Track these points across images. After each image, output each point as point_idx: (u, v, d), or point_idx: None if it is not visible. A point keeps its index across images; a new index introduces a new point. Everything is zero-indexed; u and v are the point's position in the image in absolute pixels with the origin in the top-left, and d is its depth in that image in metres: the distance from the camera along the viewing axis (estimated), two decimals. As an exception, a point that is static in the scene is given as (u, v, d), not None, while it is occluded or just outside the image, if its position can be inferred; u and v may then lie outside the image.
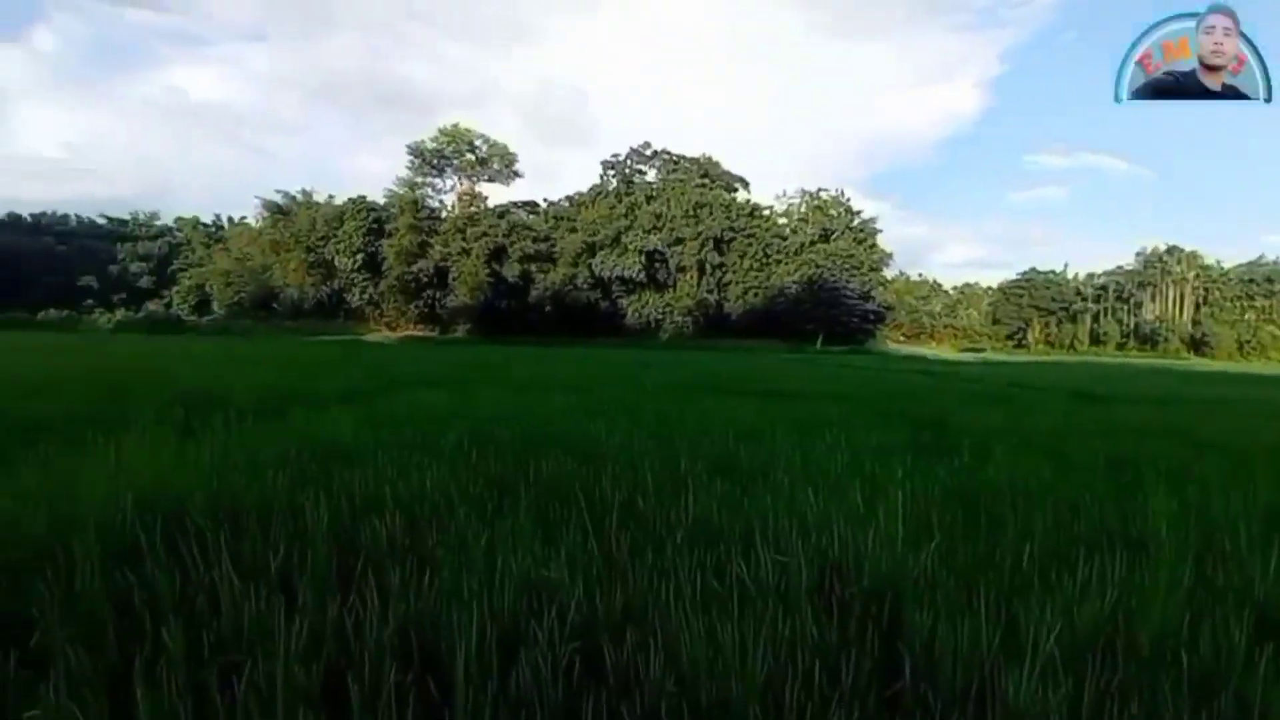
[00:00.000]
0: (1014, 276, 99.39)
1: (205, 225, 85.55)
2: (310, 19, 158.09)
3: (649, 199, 71.17)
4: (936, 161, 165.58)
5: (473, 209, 70.51)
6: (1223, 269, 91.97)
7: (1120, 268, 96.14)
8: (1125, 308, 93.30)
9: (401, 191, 71.01)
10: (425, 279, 68.11)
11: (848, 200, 75.93)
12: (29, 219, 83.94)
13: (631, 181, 74.20)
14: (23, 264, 74.88)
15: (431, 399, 7.95)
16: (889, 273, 79.95)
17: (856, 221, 74.39)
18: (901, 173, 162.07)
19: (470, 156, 71.58)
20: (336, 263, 70.02)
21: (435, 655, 1.83)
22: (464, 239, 67.10)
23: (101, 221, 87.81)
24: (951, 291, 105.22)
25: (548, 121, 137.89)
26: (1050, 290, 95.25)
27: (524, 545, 2.48)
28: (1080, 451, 5.31)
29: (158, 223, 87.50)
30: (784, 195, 77.93)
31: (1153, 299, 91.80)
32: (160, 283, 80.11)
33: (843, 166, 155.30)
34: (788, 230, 74.50)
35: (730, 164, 75.52)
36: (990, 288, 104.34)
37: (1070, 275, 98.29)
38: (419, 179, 71.72)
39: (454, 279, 67.02)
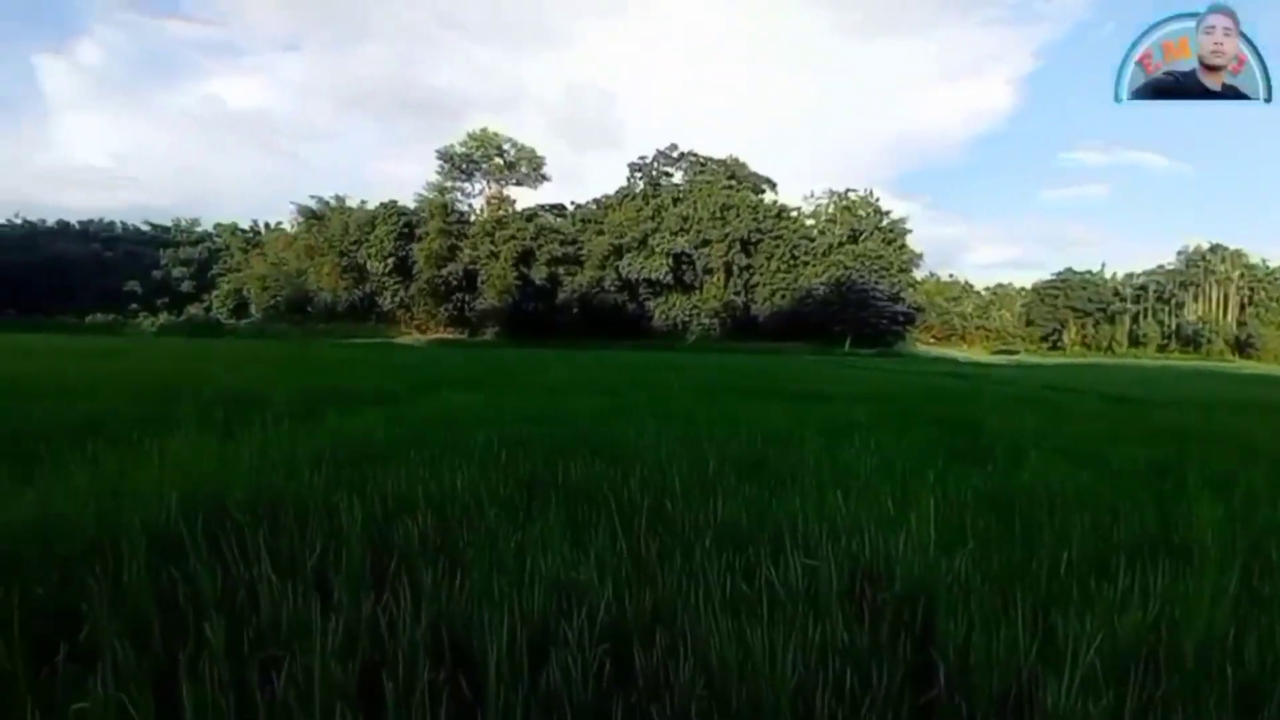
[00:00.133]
0: (1048, 277, 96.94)
1: (243, 231, 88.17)
2: (343, 28, 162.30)
3: (676, 201, 71.16)
4: (968, 160, 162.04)
5: (501, 212, 71.36)
6: (1268, 268, 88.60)
7: (1161, 267, 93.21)
8: (1166, 308, 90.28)
9: (431, 196, 72.25)
10: (454, 282, 69.13)
11: (876, 200, 75.03)
12: (77, 226, 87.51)
13: (658, 184, 74.29)
14: (72, 270, 78.04)
15: (461, 400, 8.06)
16: (919, 274, 78.83)
17: (885, 222, 73.38)
18: (932, 172, 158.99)
19: (499, 160, 72.50)
20: (368, 266, 71.53)
21: (467, 654, 1.86)
22: (492, 242, 67.93)
23: (145, 228, 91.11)
24: (983, 292, 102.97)
25: (575, 125, 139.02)
26: (1087, 291, 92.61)
27: (553, 546, 2.49)
28: (1120, 456, 5.15)
29: (198, 229, 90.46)
30: (811, 196, 77.40)
31: (1195, 299, 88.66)
32: (200, 287, 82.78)
33: (871, 166, 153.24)
34: (815, 231, 73.84)
35: (757, 165, 75.40)
36: (1024, 288, 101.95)
37: (1108, 275, 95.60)
38: (448, 183, 72.91)
39: (483, 282, 67.89)
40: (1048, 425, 7.17)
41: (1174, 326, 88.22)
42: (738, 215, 69.22)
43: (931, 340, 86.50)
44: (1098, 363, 54.48)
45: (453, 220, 71.11)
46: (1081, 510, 3.29)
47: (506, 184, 73.74)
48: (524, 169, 73.41)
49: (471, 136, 72.27)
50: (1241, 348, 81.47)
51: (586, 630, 1.89)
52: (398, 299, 72.13)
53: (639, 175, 75.61)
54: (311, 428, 5.28)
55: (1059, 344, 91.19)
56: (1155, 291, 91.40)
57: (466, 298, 69.79)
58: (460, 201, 73.64)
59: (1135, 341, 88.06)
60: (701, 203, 69.54)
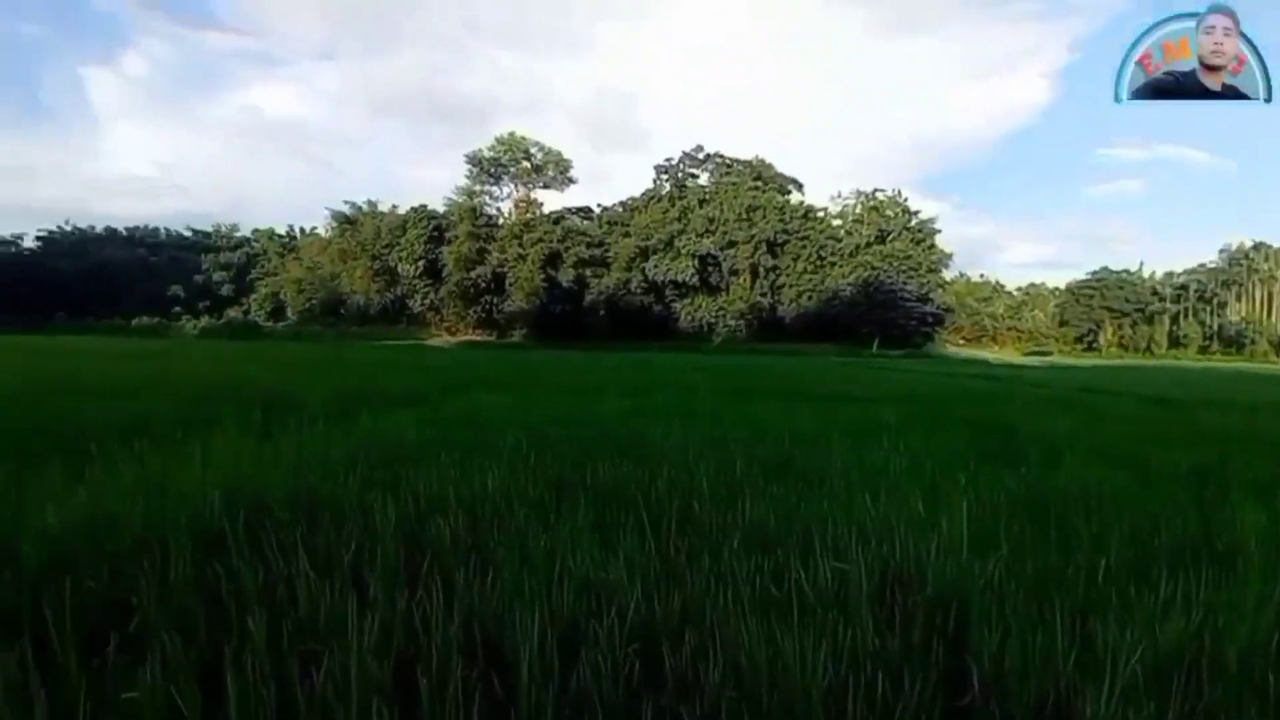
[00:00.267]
0: (1083, 276, 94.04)
1: (280, 236, 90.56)
2: (375, 38, 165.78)
3: (702, 202, 70.98)
4: (1000, 158, 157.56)
5: (529, 216, 72.03)
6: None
7: (1202, 266, 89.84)
8: (1207, 308, 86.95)
9: (460, 200, 73.22)
10: (483, 285, 69.95)
11: (905, 200, 73.85)
12: (124, 233, 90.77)
13: (684, 185, 74.18)
14: (119, 275, 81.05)
15: (490, 402, 8.16)
16: (948, 274, 77.24)
17: (914, 222, 72.20)
18: (962, 170, 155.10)
19: (526, 164, 73.15)
20: (399, 270, 72.80)
21: (498, 652, 1.89)
22: (520, 245, 68.57)
23: (188, 234, 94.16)
24: (1015, 293, 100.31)
25: (601, 127, 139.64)
26: (1124, 290, 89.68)
27: (582, 547, 2.52)
28: (1160, 460, 4.99)
29: (237, 234, 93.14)
30: (838, 196, 76.46)
31: (1238, 299, 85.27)
32: (239, 291, 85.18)
33: (900, 166, 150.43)
34: (842, 232, 72.95)
35: (784, 166, 74.75)
36: (1057, 288, 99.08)
37: (1146, 274, 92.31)
38: (477, 187, 73.81)
39: (511, 284, 68.56)
40: (1083, 427, 6.99)
41: (1216, 327, 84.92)
42: (764, 216, 68.73)
43: (961, 341, 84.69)
44: (1135, 364, 52.70)
45: (481, 224, 71.96)
46: (1120, 515, 3.21)
47: (534, 187, 74.42)
48: (551, 172, 73.95)
49: (499, 141, 73.10)
50: (1286, 348, 78.06)
51: (616, 630, 1.90)
52: (428, 301, 73.28)
53: (665, 177, 75.60)
54: (346, 428, 5.40)
55: (1094, 345, 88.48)
56: (1196, 291, 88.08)
57: (495, 300, 70.56)
58: (488, 205, 74.54)
59: (1175, 342, 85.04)
60: (727, 204, 69.22)
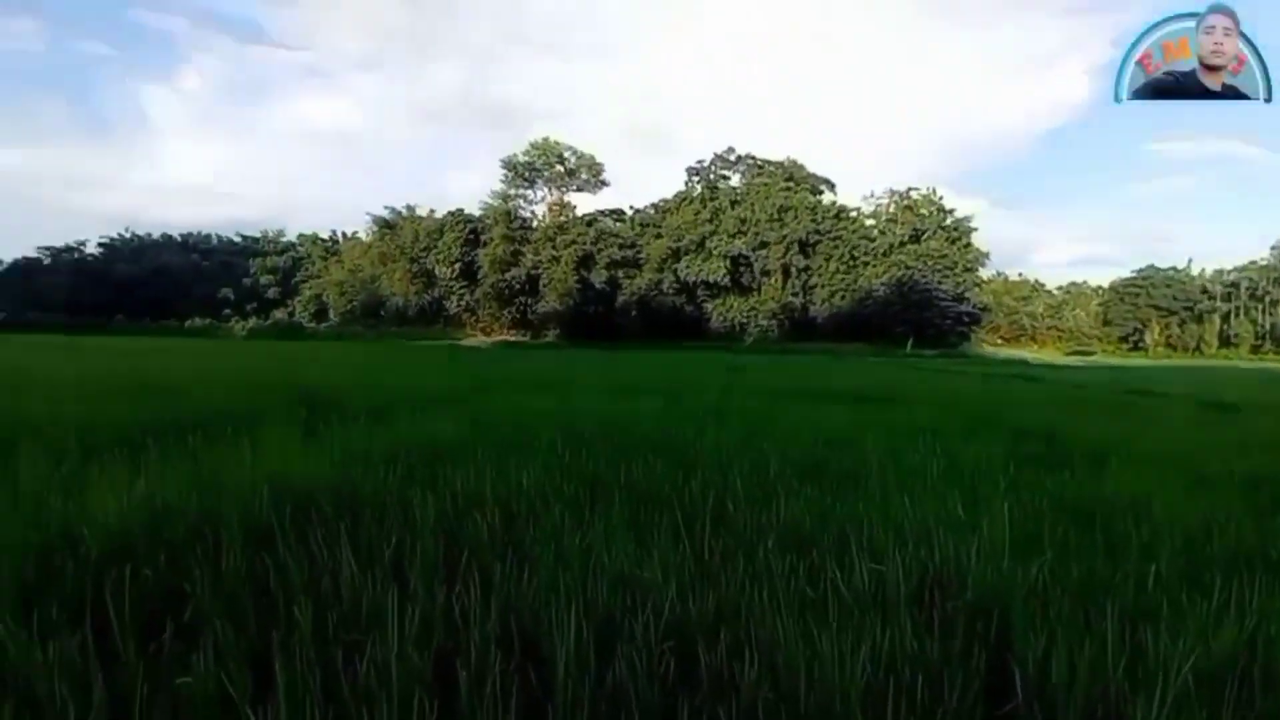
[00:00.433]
0: (1128, 274, 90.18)
1: (323, 240, 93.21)
2: (416, 49, 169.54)
3: (733, 204, 70.63)
4: (1040, 154, 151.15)
5: (562, 218, 72.69)
6: (1374, 264, 79.31)
7: (1254, 263, 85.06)
8: (1260, 307, 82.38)
9: (495, 203, 74.34)
10: (518, 286, 70.88)
11: (940, 199, 72.25)
12: (179, 239, 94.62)
13: (716, 187, 73.89)
14: (174, 279, 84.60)
15: (525, 401, 8.25)
16: (985, 272, 75.20)
17: (949, 220, 70.64)
18: (1000, 168, 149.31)
19: (559, 168, 73.85)
20: (436, 272, 74.24)
21: (535, 646, 1.91)
22: (554, 247, 69.25)
23: (237, 239, 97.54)
24: (1056, 291, 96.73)
25: (633, 130, 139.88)
26: (1172, 288, 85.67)
27: (617, 545, 2.52)
28: (1211, 466, 4.77)
29: (283, 239, 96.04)
30: (871, 196, 75.23)
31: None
32: (285, 293, 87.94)
33: (935, 164, 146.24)
34: (875, 231, 71.74)
35: (816, 165, 73.81)
36: (1101, 287, 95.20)
37: (1195, 271, 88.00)
38: (512, 191, 74.82)
39: (544, 286, 69.30)
40: (1130, 431, 6.72)
41: (1269, 326, 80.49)
42: (795, 217, 68.03)
43: (999, 341, 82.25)
44: (1184, 364, 50.31)
45: (516, 226, 72.92)
46: (1170, 521, 3.08)
47: (567, 190, 75.06)
48: (584, 175, 74.49)
49: (534, 145, 73.95)
50: (1345, 349, 73.58)
51: (652, 627, 1.91)
52: (464, 303, 74.57)
53: (696, 179, 75.40)
54: (386, 426, 5.53)
55: (1140, 345, 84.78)
56: (1248, 289, 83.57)
57: (529, 301, 71.41)
58: (523, 208, 75.50)
59: (1226, 342, 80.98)
60: (759, 205, 68.70)
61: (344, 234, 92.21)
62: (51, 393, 7.71)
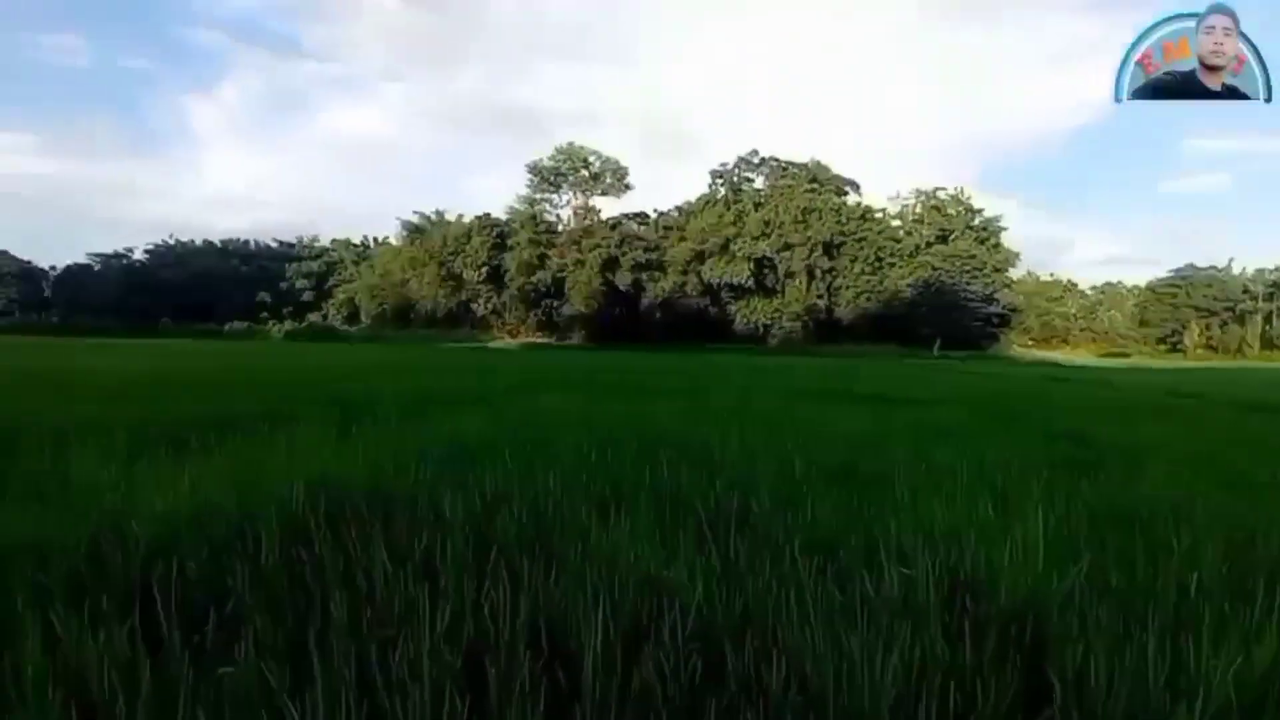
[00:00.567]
0: (1165, 274, 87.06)
1: (355, 245, 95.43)
2: (443, 58, 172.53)
3: (757, 206, 70.33)
4: (1071, 151, 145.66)
5: (587, 222, 73.22)
6: None
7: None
8: (1306, 306, 78.65)
9: (522, 208, 75.28)
10: (543, 289, 71.59)
11: (968, 198, 71.05)
12: (219, 245, 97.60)
13: (739, 189, 73.66)
14: (214, 283, 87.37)
15: (551, 402, 8.32)
16: (1016, 273, 73.49)
17: (978, 220, 69.48)
18: (1031, 166, 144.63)
19: (584, 173, 74.43)
20: (464, 275, 75.33)
21: (563, 644, 1.92)
22: (579, 250, 69.76)
23: (274, 245, 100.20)
24: (1089, 292, 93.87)
25: (657, 134, 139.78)
26: (1212, 288, 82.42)
27: (642, 545, 2.53)
28: (1256, 470, 4.59)
29: (317, 244, 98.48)
30: (897, 196, 74.21)
31: (1339, 297, 76.68)
32: (319, 296, 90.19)
33: (962, 163, 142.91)
34: (901, 233, 70.74)
35: (841, 166, 73.08)
36: (1137, 287, 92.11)
37: (1236, 271, 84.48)
38: (537, 195, 75.70)
39: (569, 288, 69.82)
40: (1170, 435, 6.51)
41: None
42: (820, 218, 67.49)
43: (1030, 343, 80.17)
44: (1225, 366, 48.38)
45: (541, 230, 73.69)
46: (1212, 528, 2.98)
47: (592, 194, 75.55)
48: (608, 179, 74.91)
49: (559, 150, 74.66)
50: (1395, 349, 69.86)
51: (679, 628, 1.91)
52: (491, 305, 75.54)
53: (720, 181, 75.26)
54: (416, 426, 5.63)
55: (1179, 346, 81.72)
56: None
57: (554, 303, 72.05)
58: (548, 212, 76.33)
59: (1269, 343, 77.67)
60: (783, 207, 68.29)
61: (375, 239, 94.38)
62: (102, 393, 8.03)
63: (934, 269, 65.41)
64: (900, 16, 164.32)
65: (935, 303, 63.86)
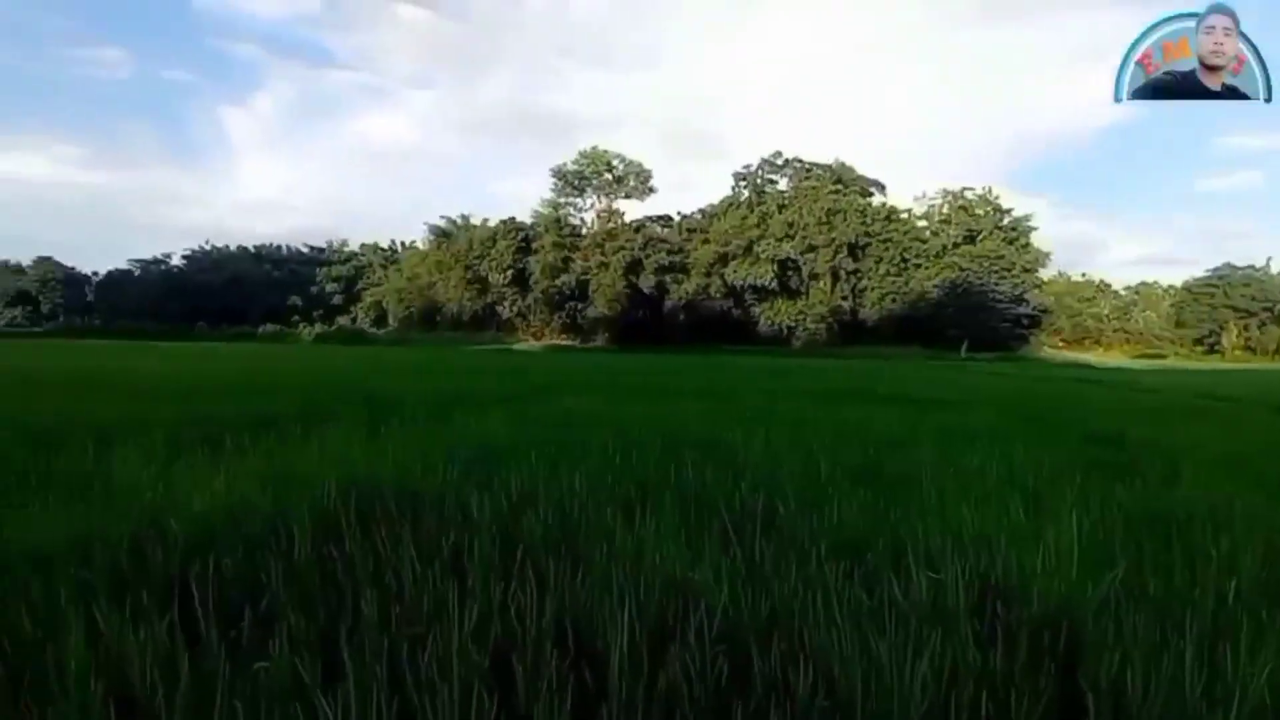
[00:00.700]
0: (1202, 274, 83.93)
1: (383, 249, 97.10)
2: (469, 65, 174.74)
3: (781, 208, 69.84)
4: (1101, 151, 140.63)
5: (611, 225, 73.44)
6: None
7: (1339, 260, 77.73)
8: (1349, 307, 75.12)
9: (546, 211, 75.83)
10: (568, 291, 72.01)
11: (996, 198, 69.55)
12: (253, 250, 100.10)
13: (763, 191, 73.25)
14: (248, 288, 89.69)
15: (576, 403, 8.36)
16: (1046, 273, 71.77)
17: (1007, 220, 68.00)
18: (1059, 165, 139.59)
19: (608, 176, 74.69)
20: (490, 278, 76.12)
21: (589, 644, 1.93)
22: (603, 253, 70.03)
23: (305, 250, 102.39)
24: (1123, 292, 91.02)
25: (680, 137, 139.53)
26: (1250, 288, 79.20)
27: (668, 547, 2.53)
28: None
29: (346, 249, 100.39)
30: (923, 196, 73.02)
31: (1382, 296, 73.10)
32: (349, 300, 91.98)
33: (991, 163, 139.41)
34: (928, 233, 69.62)
35: (866, 167, 72.17)
36: (1173, 287, 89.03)
37: (1275, 270, 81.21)
38: (562, 199, 76.17)
39: (593, 291, 70.12)
40: (1207, 438, 6.30)
41: None
42: (845, 220, 66.78)
43: (1061, 344, 78.00)
44: (1264, 368, 46.43)
45: (566, 234, 74.16)
46: (1250, 533, 2.89)
47: (615, 198, 75.78)
48: (632, 183, 75.08)
49: (583, 154, 75.05)
50: None
51: (705, 629, 1.90)
52: (516, 308, 76.25)
53: (744, 184, 74.94)
54: (443, 427, 5.70)
55: (1216, 348, 78.67)
56: None
57: (578, 306, 72.44)
58: (573, 216, 76.75)
59: None
60: (807, 209, 67.71)
61: (402, 243, 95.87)
62: (141, 394, 8.29)
63: (961, 270, 64.28)
64: (926, 16, 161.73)
65: (962, 304, 62.76)
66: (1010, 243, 66.78)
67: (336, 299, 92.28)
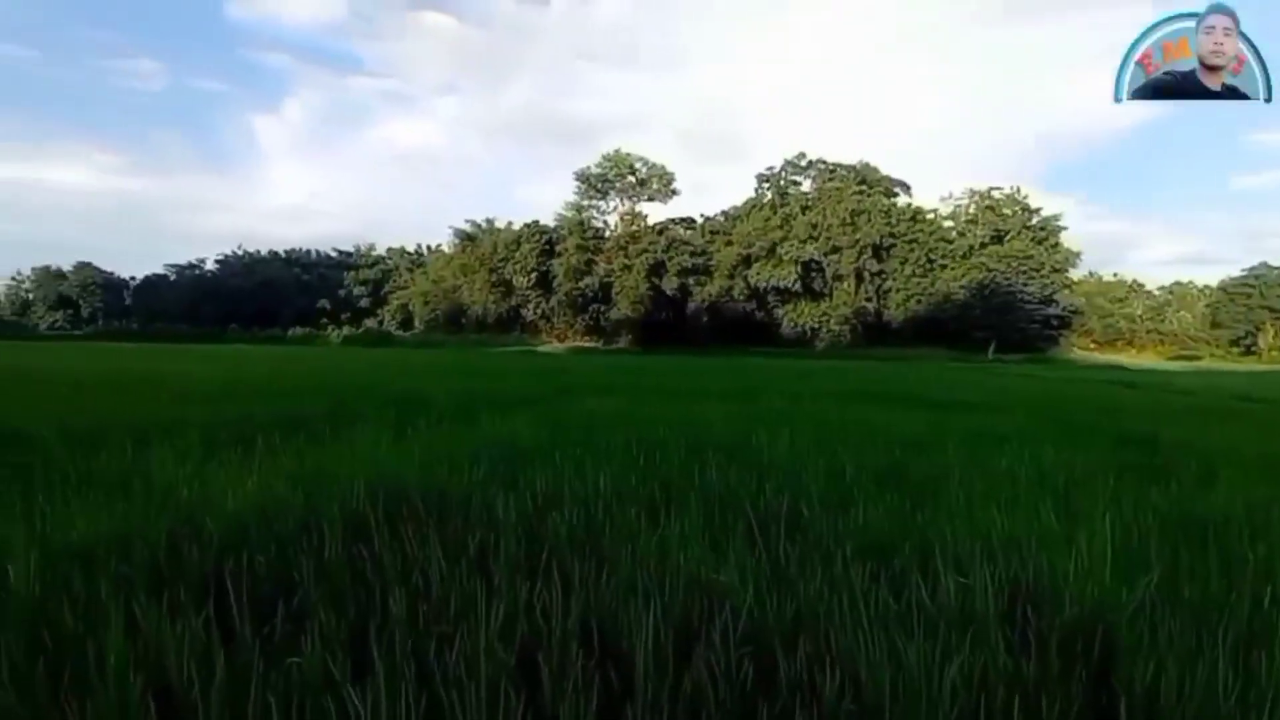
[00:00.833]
0: (1238, 273, 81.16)
1: (409, 253, 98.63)
2: (493, 70, 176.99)
3: (804, 209, 69.41)
4: (1132, 149, 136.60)
5: (634, 227, 73.66)
6: None
7: (1378, 260, 74.39)
8: (1387, 307, 71.89)
9: (569, 214, 76.38)
10: (591, 294, 72.39)
11: (1024, 198, 68.15)
12: (283, 254, 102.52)
13: (786, 193, 72.87)
14: (278, 291, 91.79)
15: (600, 405, 8.38)
16: (1076, 273, 70.12)
17: (1035, 220, 66.67)
18: (1091, 163, 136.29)
19: (631, 179, 74.98)
20: (514, 281, 76.90)
21: (614, 645, 1.94)
22: (626, 256, 70.26)
23: (333, 254, 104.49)
24: (1156, 292, 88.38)
25: (703, 139, 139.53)
26: None
27: (692, 548, 2.52)
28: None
29: (374, 253, 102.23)
30: (949, 197, 71.96)
31: None
32: (375, 303, 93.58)
33: (1019, 162, 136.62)
34: (954, 233, 68.50)
35: (891, 168, 71.39)
36: (1207, 286, 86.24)
37: None
38: (585, 202, 76.66)
39: (617, 293, 70.38)
40: (1242, 440, 6.10)
41: None
42: (869, 220, 66.09)
43: (1092, 345, 76.07)
44: None
45: (589, 236, 74.58)
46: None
47: (638, 200, 76.01)
48: (655, 185, 75.23)
49: (605, 157, 75.43)
50: None
51: (730, 631, 1.90)
52: (539, 310, 76.86)
53: (767, 185, 74.64)
54: (469, 428, 5.77)
55: (1252, 349, 75.96)
56: None
57: (602, 308, 72.77)
58: (596, 218, 77.21)
59: None
60: (831, 210, 67.18)
61: (428, 247, 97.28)
62: (176, 395, 8.53)
63: (988, 270, 63.25)
64: (949, 15, 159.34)
65: (990, 305, 61.74)
66: (1039, 243, 65.57)
67: (364, 302, 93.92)
